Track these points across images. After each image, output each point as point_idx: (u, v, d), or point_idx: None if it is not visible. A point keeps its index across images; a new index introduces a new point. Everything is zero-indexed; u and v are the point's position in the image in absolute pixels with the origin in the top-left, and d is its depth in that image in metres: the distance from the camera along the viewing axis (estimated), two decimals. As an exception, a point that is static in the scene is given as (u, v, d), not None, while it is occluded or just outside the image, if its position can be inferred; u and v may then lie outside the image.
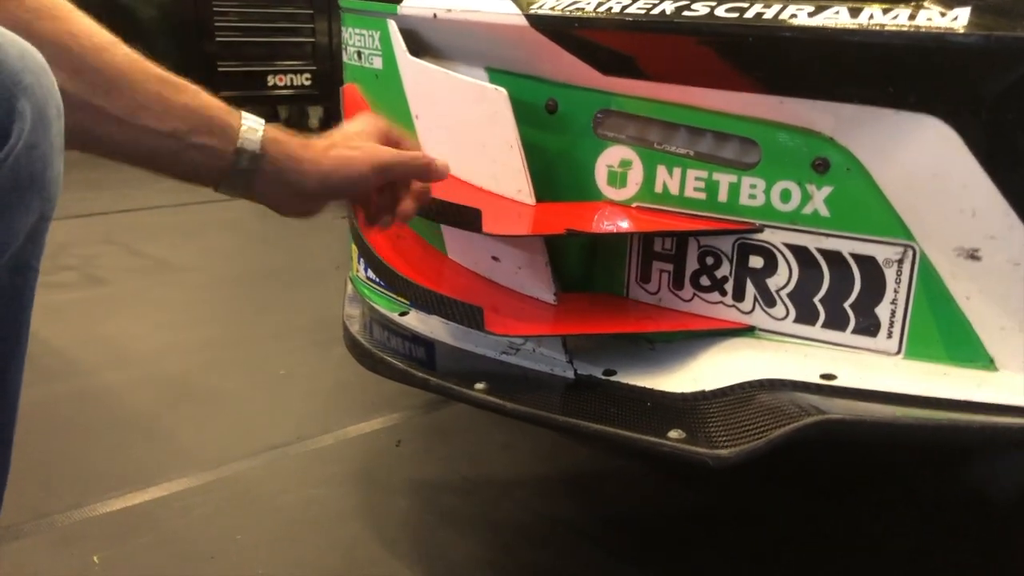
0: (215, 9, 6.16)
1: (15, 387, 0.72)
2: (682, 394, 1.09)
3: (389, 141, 0.98)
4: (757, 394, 1.04)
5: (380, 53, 1.35)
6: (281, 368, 2.08)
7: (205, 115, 0.82)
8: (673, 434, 1.00)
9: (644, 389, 1.11)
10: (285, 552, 1.35)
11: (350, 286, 1.54)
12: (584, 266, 1.25)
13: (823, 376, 1.03)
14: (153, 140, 0.79)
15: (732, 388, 1.07)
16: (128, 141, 0.78)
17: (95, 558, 1.33)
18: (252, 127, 0.84)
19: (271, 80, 6.28)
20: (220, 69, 6.18)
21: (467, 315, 1.13)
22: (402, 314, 1.37)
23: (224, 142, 0.83)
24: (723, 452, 0.96)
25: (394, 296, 1.37)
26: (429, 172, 1.00)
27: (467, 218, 1.09)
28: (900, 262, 1.01)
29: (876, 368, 1.03)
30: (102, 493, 1.52)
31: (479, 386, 1.14)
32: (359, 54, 1.41)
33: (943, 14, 0.92)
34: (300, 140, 0.90)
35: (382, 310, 1.40)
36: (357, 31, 1.40)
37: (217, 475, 1.59)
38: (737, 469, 0.95)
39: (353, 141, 0.94)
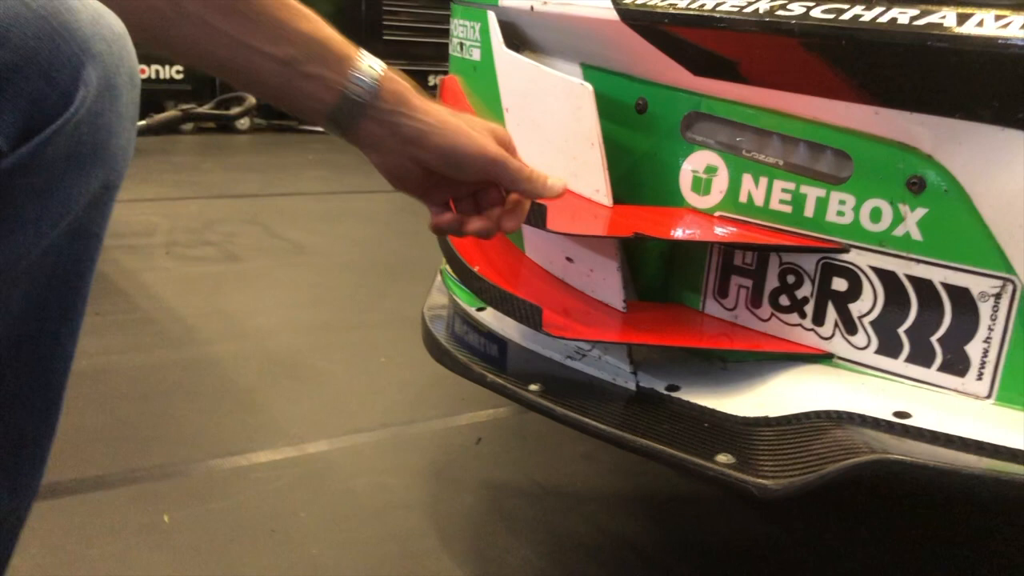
0: (385, 9, 6.37)
1: (68, 350, 0.72)
2: (743, 418, 1.02)
3: (504, 146, 0.88)
4: (821, 425, 0.96)
5: (479, 45, 1.34)
6: (382, 356, 2.10)
7: (323, 44, 0.77)
8: (721, 458, 0.94)
9: (705, 408, 1.05)
10: (343, 535, 1.36)
11: (439, 277, 1.53)
12: (662, 275, 1.20)
13: (896, 414, 0.94)
14: (265, 64, 0.75)
15: (797, 417, 0.99)
16: (240, 63, 0.75)
17: (165, 517, 1.38)
18: (371, 65, 0.78)
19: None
20: (385, 67, 6.37)
21: (527, 314, 1.09)
22: (479, 309, 1.35)
23: (337, 74, 0.78)
24: (769, 483, 0.89)
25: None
26: (536, 187, 0.89)
27: (533, 212, 1.06)
28: (997, 297, 0.91)
29: (959, 411, 0.93)
30: (188, 456, 1.57)
31: (533, 387, 1.11)
32: (461, 45, 1.40)
33: (1063, 23, 0.83)
34: (423, 97, 0.82)
35: (462, 303, 1.39)
36: (461, 22, 1.40)
37: (298, 451, 1.61)
38: (787, 501, 0.88)
39: (475, 125, 0.85)
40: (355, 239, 3.29)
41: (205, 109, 3.25)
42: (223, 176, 4.30)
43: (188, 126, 5.62)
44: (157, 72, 5.66)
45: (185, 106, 3.19)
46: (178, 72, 5.73)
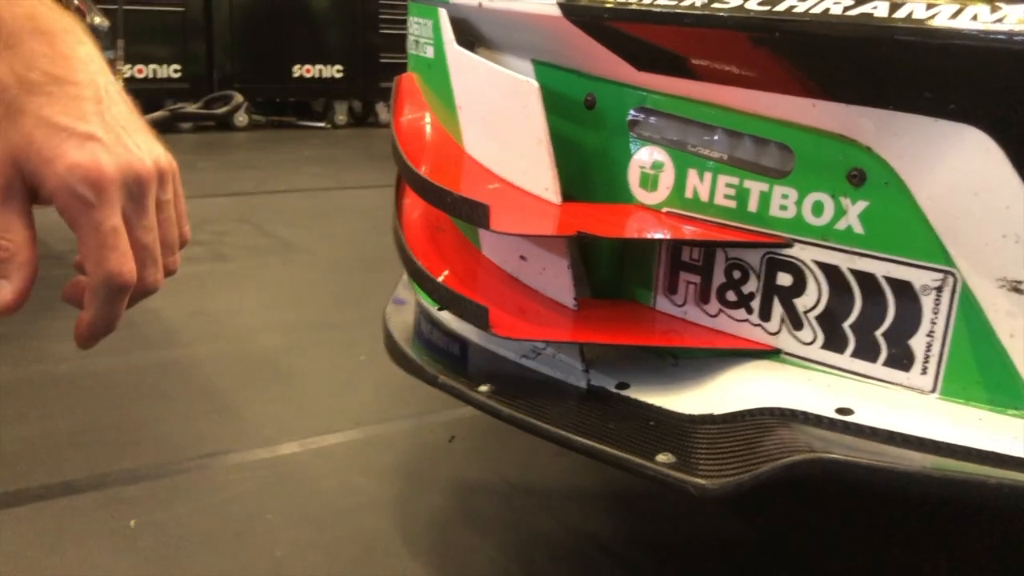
0: (381, 3, 6.36)
1: None
2: (689, 415, 1.01)
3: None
4: (764, 423, 0.95)
5: (432, 42, 1.33)
6: (362, 354, 2.10)
7: None
8: (661, 457, 0.93)
9: (652, 406, 1.04)
10: (308, 536, 1.36)
11: (404, 275, 1.53)
12: (615, 272, 1.19)
13: (839, 410, 0.93)
14: None
15: (742, 414, 0.98)
16: None
17: (132, 522, 1.38)
18: None
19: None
20: (382, 60, 6.38)
21: (474, 313, 1.09)
22: (440, 309, 1.34)
23: None
24: (706, 482, 0.88)
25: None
26: None
27: (476, 212, 1.05)
28: (939, 290, 0.90)
29: (903, 406, 0.92)
30: (159, 460, 1.58)
31: (483, 388, 1.10)
32: (416, 43, 1.39)
33: (992, 11, 0.81)
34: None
35: (425, 303, 1.38)
36: (416, 20, 1.39)
37: (270, 453, 1.62)
38: (726, 500, 0.87)
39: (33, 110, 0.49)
40: (345, 236, 3.29)
41: (193, 108, 3.25)
42: (218, 175, 4.30)
43: (187, 124, 5.63)
44: (155, 71, 5.67)
45: (173, 106, 3.18)
46: (176, 71, 5.74)
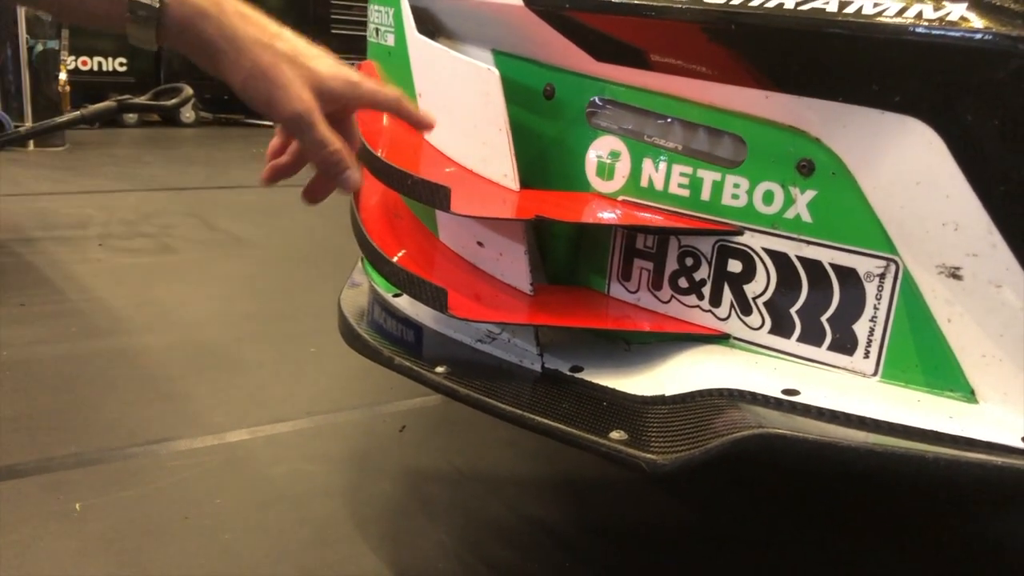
0: (333, 3, 6.34)
1: None
2: (641, 396, 1.04)
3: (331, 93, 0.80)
4: (713, 403, 0.98)
5: (393, 30, 1.34)
6: (313, 346, 2.10)
7: None
8: (614, 435, 0.95)
9: (605, 388, 1.06)
10: (257, 521, 1.35)
11: (359, 263, 1.54)
12: (570, 260, 1.21)
13: (785, 391, 0.96)
14: None
15: (692, 395, 1.01)
16: None
17: (77, 505, 1.36)
18: None
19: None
20: (333, 61, 6.35)
21: (432, 295, 1.10)
22: (396, 295, 1.35)
23: None
24: (658, 458, 0.91)
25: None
26: (400, 109, 0.84)
27: (437, 195, 1.06)
28: (882, 277, 0.94)
29: (845, 388, 0.96)
30: (105, 445, 1.56)
31: (439, 369, 1.11)
32: (377, 31, 1.41)
33: (936, 8, 0.85)
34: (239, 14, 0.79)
35: (380, 290, 1.39)
36: (376, 8, 1.40)
37: (218, 440, 1.61)
38: (675, 476, 0.90)
39: (304, 58, 0.80)
40: (293, 231, 3.27)
41: (141, 100, 3.20)
42: (165, 169, 4.25)
43: (131, 118, 5.54)
44: (100, 64, 5.57)
45: (120, 96, 3.13)
46: (121, 64, 5.65)
